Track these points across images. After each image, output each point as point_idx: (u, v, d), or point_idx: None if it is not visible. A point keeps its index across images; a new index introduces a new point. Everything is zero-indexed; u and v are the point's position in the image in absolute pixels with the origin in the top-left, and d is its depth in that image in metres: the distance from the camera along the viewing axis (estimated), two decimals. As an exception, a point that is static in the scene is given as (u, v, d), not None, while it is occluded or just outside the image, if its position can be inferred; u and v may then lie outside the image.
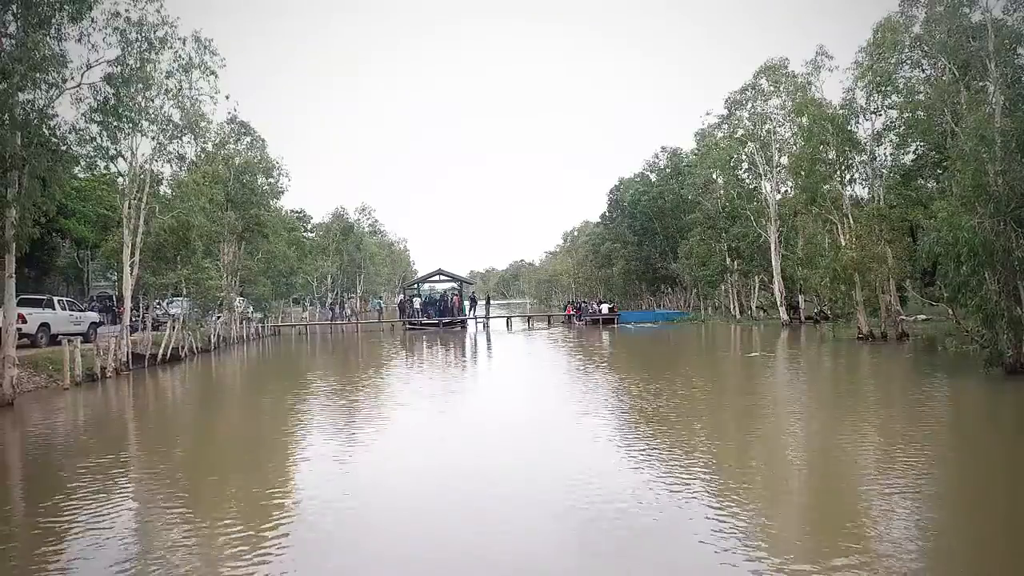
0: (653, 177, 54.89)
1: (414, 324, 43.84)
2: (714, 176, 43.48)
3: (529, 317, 52.88)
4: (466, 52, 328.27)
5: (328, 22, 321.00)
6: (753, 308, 41.68)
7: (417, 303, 45.43)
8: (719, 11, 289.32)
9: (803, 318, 36.66)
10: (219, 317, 34.95)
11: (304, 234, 63.36)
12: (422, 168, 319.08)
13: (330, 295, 66.36)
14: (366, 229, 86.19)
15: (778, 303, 36.26)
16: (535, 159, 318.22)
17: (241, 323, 37.53)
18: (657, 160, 54.88)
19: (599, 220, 68.50)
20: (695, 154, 46.89)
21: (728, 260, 40.82)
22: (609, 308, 45.63)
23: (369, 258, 77.14)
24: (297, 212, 73.51)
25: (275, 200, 41.55)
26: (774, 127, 36.69)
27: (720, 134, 42.72)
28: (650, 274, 54.41)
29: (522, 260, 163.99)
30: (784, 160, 36.02)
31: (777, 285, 36.30)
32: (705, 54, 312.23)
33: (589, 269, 71.37)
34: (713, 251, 41.41)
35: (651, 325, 41.97)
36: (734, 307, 43.18)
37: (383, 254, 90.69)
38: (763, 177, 37.92)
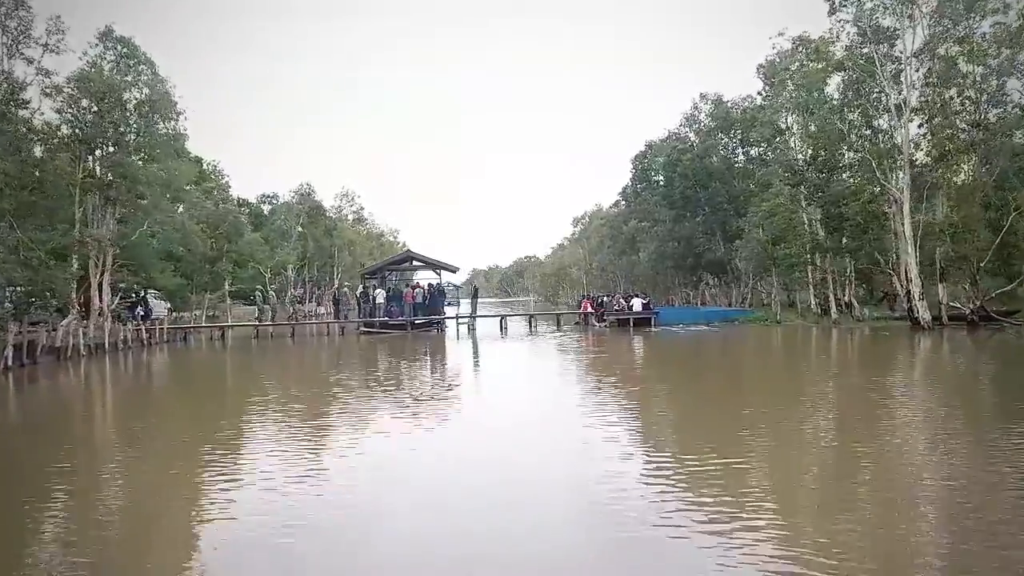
0: (692, 135, 42.64)
1: (371, 327, 31.38)
2: (789, 122, 31.36)
3: (531, 317, 38.81)
4: (465, 52, 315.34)
5: (329, 22, 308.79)
6: (856, 304, 29.11)
7: (380, 297, 32.56)
8: (720, 10, 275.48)
9: (945, 319, 24.28)
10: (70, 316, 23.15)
11: (255, 211, 51.43)
12: (422, 168, 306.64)
13: (291, 289, 54.28)
14: (349, 218, 75.22)
15: (913, 296, 23.86)
16: (535, 159, 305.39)
17: (116, 324, 25.66)
18: (696, 112, 42.57)
19: (619, 197, 56.33)
20: (760, 94, 34.68)
21: (821, 233, 28.39)
22: (643, 303, 33.30)
23: (346, 246, 64.79)
24: (269, 196, 63.03)
25: (175, 151, 29.51)
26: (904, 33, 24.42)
27: (797, 64, 30.72)
28: (692, 259, 41.88)
29: (526, 256, 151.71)
30: (920, 74, 23.77)
31: (909, 269, 24.04)
32: (706, 53, 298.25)
33: (607, 257, 59.00)
34: (795, 221, 29.02)
35: (705, 328, 29.75)
36: (820, 302, 30.74)
37: (369, 244, 78.78)
38: (880, 109, 25.59)
